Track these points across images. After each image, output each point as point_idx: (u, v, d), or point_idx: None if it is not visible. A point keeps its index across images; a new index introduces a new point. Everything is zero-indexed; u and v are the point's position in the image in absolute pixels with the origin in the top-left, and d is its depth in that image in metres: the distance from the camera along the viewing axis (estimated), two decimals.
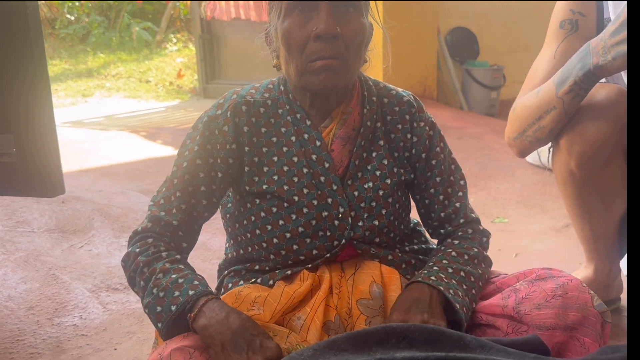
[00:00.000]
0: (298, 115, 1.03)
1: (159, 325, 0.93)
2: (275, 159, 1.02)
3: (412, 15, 4.05)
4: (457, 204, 1.09)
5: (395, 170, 1.06)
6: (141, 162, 3.08)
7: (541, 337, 0.87)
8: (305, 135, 1.02)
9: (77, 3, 7.95)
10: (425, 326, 0.83)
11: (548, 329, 0.92)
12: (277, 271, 1.03)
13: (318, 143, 1.02)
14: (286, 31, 0.95)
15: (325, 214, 1.01)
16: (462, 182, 1.11)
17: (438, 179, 1.09)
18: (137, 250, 1.00)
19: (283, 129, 1.03)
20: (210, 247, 2.08)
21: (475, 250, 1.05)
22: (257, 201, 1.02)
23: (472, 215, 1.11)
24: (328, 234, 1.01)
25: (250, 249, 1.06)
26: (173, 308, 0.92)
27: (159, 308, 0.93)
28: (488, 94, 4.30)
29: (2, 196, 2.33)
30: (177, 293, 0.93)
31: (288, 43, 0.95)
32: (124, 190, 2.61)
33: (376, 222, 1.03)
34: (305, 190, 1.00)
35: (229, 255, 1.13)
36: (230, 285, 1.07)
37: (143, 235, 1.02)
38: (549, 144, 1.39)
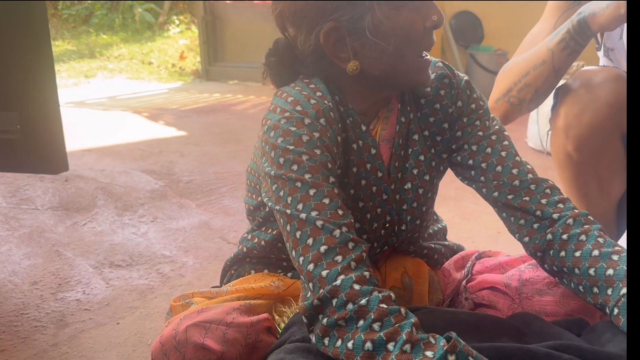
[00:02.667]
0: (352, 119, 0.93)
1: None
2: (339, 171, 0.91)
3: None
4: (529, 165, 0.97)
5: (433, 164, 0.99)
6: (144, 142, 3.09)
7: None
8: (360, 142, 0.93)
9: None
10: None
11: (547, 315, 0.93)
12: None
13: (373, 151, 0.94)
14: (408, 23, 0.85)
15: (375, 225, 0.97)
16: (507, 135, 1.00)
17: (494, 137, 0.97)
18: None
19: (344, 134, 0.92)
20: (212, 227, 2.11)
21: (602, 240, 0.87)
22: None
23: (529, 166, 0.97)
24: (375, 244, 0.98)
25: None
26: None
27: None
28: (492, 78, 4.27)
29: (6, 173, 2.35)
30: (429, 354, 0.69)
31: (409, 36, 0.85)
32: (126, 169, 2.63)
33: (418, 222, 1.00)
34: (360, 204, 0.94)
35: (256, 242, 1.03)
36: (252, 271, 1.04)
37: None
38: (548, 127, 1.40)
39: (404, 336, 0.70)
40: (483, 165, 0.96)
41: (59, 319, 1.53)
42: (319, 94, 0.89)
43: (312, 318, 0.77)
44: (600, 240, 0.86)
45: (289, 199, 0.81)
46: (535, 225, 0.92)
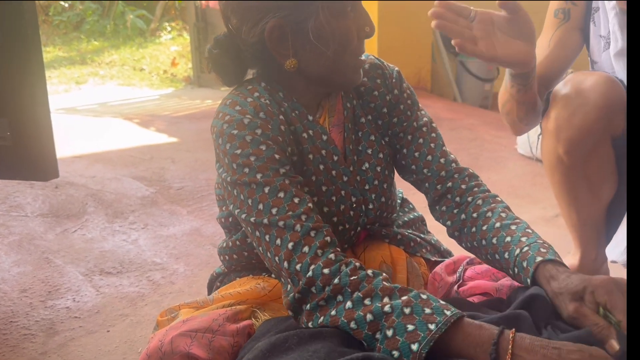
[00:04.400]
0: (298, 112, 0.98)
1: (414, 346, 0.76)
2: (296, 158, 0.97)
3: (408, 6, 4.06)
4: (452, 155, 1.08)
5: (383, 142, 1.07)
6: (135, 149, 3.08)
7: None
8: (310, 132, 0.99)
9: None
10: None
11: None
12: None
13: (324, 137, 1.00)
14: (346, 30, 0.92)
15: (342, 207, 1.00)
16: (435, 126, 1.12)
17: (424, 128, 1.08)
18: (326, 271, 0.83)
19: (292, 127, 0.97)
20: (204, 234, 2.10)
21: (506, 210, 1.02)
22: None
23: (452, 156, 1.09)
24: (347, 226, 1.02)
25: None
26: (432, 327, 0.76)
27: (410, 327, 0.77)
28: (482, 86, 4.31)
29: None
30: (428, 310, 0.78)
31: (345, 42, 0.92)
32: (117, 176, 2.62)
33: (383, 199, 1.05)
34: (324, 188, 0.99)
35: (231, 245, 1.06)
36: (237, 278, 1.05)
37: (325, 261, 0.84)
38: (538, 131, 1.41)
39: (378, 292, 0.80)
40: (416, 154, 1.07)
41: (48, 327, 1.51)
42: (256, 94, 0.96)
43: (296, 310, 0.85)
44: (503, 214, 0.99)
45: (249, 201, 0.88)
46: (455, 210, 1.05)
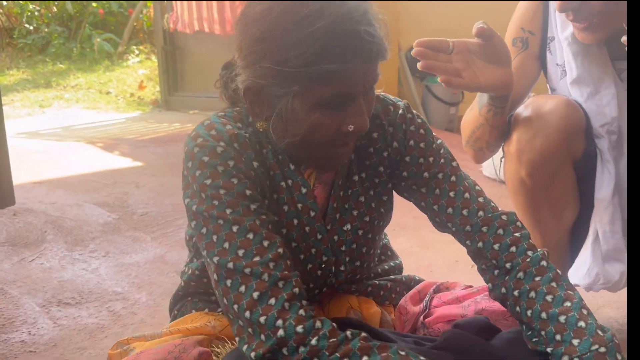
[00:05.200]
0: (280, 157, 0.92)
1: None
2: (267, 202, 0.91)
3: None
4: (480, 198, 0.96)
5: (373, 205, 0.99)
6: (98, 173, 3.01)
7: None
8: (290, 181, 0.92)
9: (36, 13, 7.78)
10: None
11: None
12: None
13: (304, 190, 0.93)
14: (320, 123, 0.83)
15: (309, 266, 0.95)
16: (465, 175, 1.00)
17: (440, 175, 0.97)
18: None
19: (271, 172, 0.91)
20: (168, 261, 2.05)
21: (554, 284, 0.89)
22: None
23: (493, 204, 0.97)
24: (311, 285, 0.97)
25: None
26: None
27: None
28: (447, 109, 4.38)
29: None
30: None
31: (317, 133, 0.84)
32: (78, 202, 2.55)
33: (358, 263, 0.99)
34: (293, 244, 0.93)
35: (191, 273, 1.03)
36: (194, 311, 1.02)
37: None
38: (501, 155, 1.42)
39: (357, 351, 0.76)
40: (435, 207, 0.96)
41: None
42: (239, 123, 0.90)
43: None
44: (549, 298, 0.87)
45: (214, 237, 0.82)
46: (496, 272, 0.93)
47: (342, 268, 0.98)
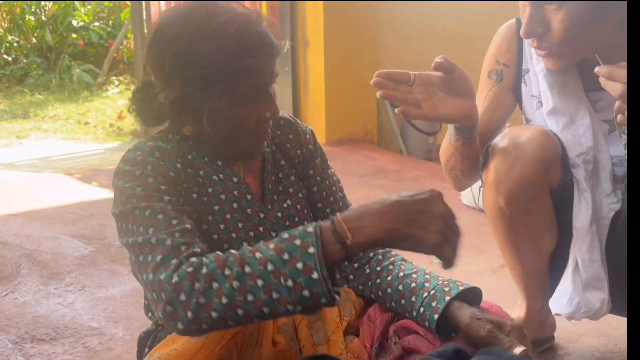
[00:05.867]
0: (207, 159, 1.05)
1: (315, 275, 0.80)
2: (205, 199, 1.03)
3: (353, 62, 4.17)
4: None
5: (302, 184, 1.15)
6: (74, 205, 2.97)
7: None
8: (221, 175, 1.05)
9: (15, 44, 7.75)
10: None
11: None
12: None
13: (235, 179, 1.06)
14: (242, 116, 0.99)
15: (262, 243, 1.00)
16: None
17: (334, 188, 1.18)
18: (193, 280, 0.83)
19: (201, 172, 1.03)
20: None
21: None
22: None
23: None
24: None
25: None
26: (311, 250, 0.81)
27: (299, 265, 0.80)
28: (425, 139, 4.42)
29: None
30: (298, 241, 0.82)
31: (240, 126, 0.99)
32: (55, 234, 2.50)
33: None
34: (240, 225, 1.04)
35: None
36: (167, 334, 1.01)
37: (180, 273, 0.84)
38: (479, 183, 1.43)
39: (247, 254, 0.84)
40: (327, 210, 1.16)
41: None
42: (159, 142, 1.02)
43: (173, 327, 0.83)
44: (403, 266, 1.11)
45: (130, 226, 0.91)
46: (356, 265, 1.15)
47: None
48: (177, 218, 0.90)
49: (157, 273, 0.84)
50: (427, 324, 1.04)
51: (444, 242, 0.83)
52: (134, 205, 0.92)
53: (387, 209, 0.82)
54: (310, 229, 0.83)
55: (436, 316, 1.02)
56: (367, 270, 1.14)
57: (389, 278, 1.10)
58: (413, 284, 1.07)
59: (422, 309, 1.04)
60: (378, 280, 1.11)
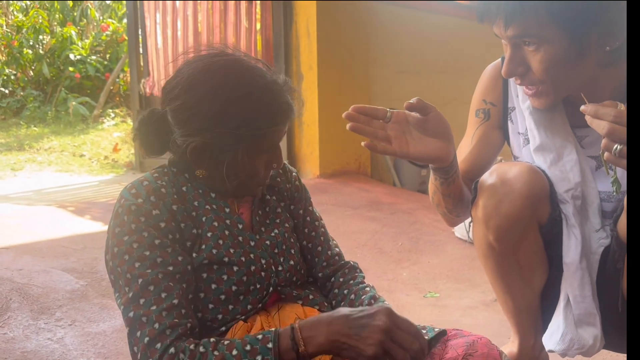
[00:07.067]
0: (201, 191, 1.12)
1: None
2: (199, 230, 1.09)
3: (346, 97, 4.22)
4: (336, 247, 1.28)
5: (288, 215, 1.23)
6: (67, 238, 2.95)
7: None
8: (214, 206, 1.12)
9: (12, 77, 7.82)
10: None
11: None
12: (214, 332, 1.07)
13: (227, 210, 1.13)
14: (256, 167, 1.09)
15: (253, 267, 1.10)
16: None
17: (316, 223, 1.26)
18: None
19: (195, 202, 1.10)
20: None
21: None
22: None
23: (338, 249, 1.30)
24: (258, 286, 1.10)
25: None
26: (270, 345, 0.95)
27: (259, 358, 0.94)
28: (418, 171, 4.45)
29: None
30: (259, 357, 0.95)
31: (252, 175, 1.10)
32: (46, 268, 2.48)
33: (292, 262, 1.17)
34: (232, 250, 1.09)
35: None
36: None
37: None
38: (470, 218, 1.44)
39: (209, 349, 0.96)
40: (309, 245, 1.25)
41: None
42: (156, 175, 1.10)
43: None
44: (358, 280, 1.23)
45: (122, 286, 1.01)
46: (328, 284, 1.26)
47: (279, 268, 1.15)
48: (166, 290, 0.99)
49: (143, 355, 0.96)
50: None
51: (382, 354, 0.92)
52: (128, 265, 1.01)
53: (335, 321, 0.95)
54: (269, 344, 0.95)
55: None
56: (333, 279, 1.25)
57: (345, 291, 1.22)
58: (364, 296, 1.20)
59: (352, 296, 1.20)
60: (336, 291, 1.23)
